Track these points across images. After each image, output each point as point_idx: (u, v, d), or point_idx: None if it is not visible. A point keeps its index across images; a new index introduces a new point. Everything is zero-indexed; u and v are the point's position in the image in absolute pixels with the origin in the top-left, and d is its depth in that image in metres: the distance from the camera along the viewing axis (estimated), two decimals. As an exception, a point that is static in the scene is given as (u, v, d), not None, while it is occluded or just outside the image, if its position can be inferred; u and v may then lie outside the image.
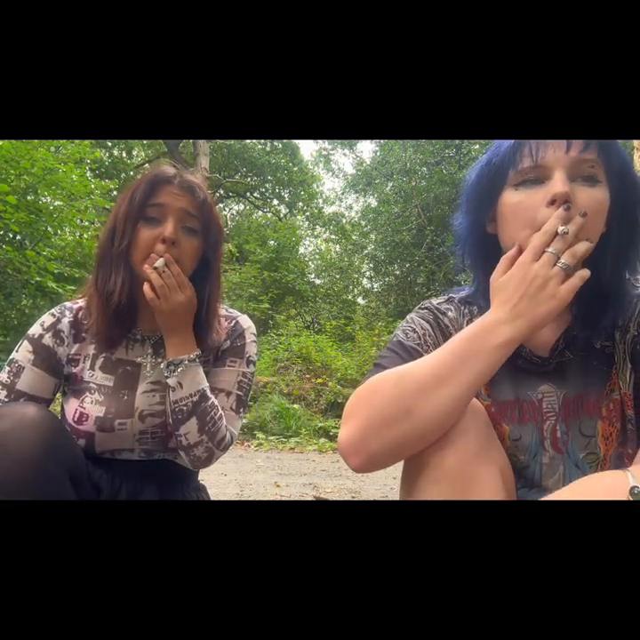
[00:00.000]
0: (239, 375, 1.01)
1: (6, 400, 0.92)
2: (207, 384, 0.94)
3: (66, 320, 0.98)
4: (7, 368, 0.94)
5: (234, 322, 1.04)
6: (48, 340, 0.96)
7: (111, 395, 0.94)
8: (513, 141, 0.68)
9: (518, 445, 0.75)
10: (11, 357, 0.96)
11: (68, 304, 1.01)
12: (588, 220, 0.64)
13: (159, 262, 0.89)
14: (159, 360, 0.98)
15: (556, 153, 0.65)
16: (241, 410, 1.00)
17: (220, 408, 0.94)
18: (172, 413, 0.91)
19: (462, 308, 0.81)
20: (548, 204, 0.65)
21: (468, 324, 0.78)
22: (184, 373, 0.91)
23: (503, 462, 0.70)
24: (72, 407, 0.94)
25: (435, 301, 0.82)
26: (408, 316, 0.82)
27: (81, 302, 1.00)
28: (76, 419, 0.93)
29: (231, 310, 1.07)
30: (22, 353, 0.95)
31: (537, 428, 0.74)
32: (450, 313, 0.80)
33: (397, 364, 0.70)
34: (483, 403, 0.75)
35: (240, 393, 1.00)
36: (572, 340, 0.74)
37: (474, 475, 0.63)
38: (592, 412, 0.72)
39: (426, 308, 0.82)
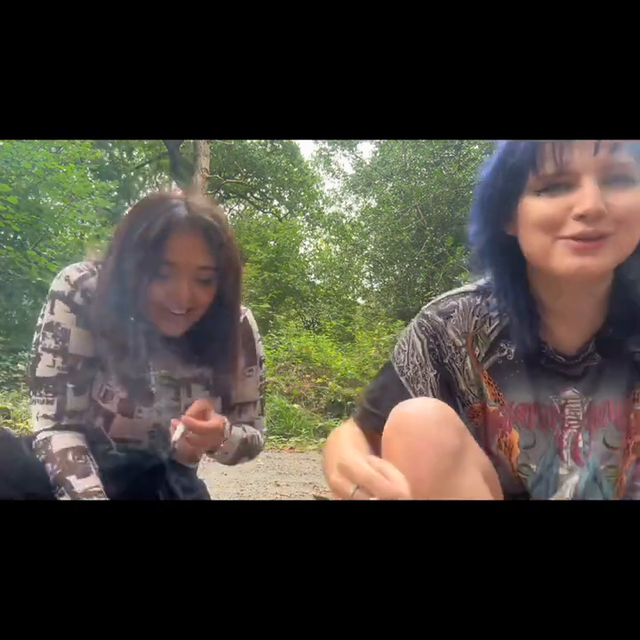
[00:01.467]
0: (258, 381, 1.06)
1: (64, 366, 0.85)
2: (242, 432, 0.98)
3: (93, 280, 0.89)
4: (49, 334, 0.86)
5: (242, 318, 1.01)
6: (78, 299, 0.88)
7: (134, 380, 0.92)
8: (529, 141, 0.61)
9: (530, 454, 0.70)
10: (45, 322, 0.86)
11: (90, 265, 0.91)
12: (627, 224, 0.57)
13: (179, 431, 0.83)
14: (169, 354, 0.95)
15: (582, 156, 0.57)
16: (263, 409, 1.08)
17: (256, 432, 1.02)
18: (225, 460, 1.00)
19: (477, 298, 0.75)
20: (576, 217, 0.58)
21: (472, 317, 0.73)
22: (225, 449, 0.95)
23: (486, 467, 0.67)
24: (98, 382, 0.91)
25: (443, 306, 0.75)
26: (413, 323, 0.77)
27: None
28: (102, 395, 0.90)
29: None
30: (60, 315, 0.86)
31: (554, 436, 0.69)
32: (451, 320, 0.74)
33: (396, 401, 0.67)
34: (489, 408, 0.72)
35: (262, 396, 1.07)
36: (605, 343, 0.67)
37: (451, 487, 0.61)
38: (620, 423, 0.67)
39: (424, 317, 0.76)
